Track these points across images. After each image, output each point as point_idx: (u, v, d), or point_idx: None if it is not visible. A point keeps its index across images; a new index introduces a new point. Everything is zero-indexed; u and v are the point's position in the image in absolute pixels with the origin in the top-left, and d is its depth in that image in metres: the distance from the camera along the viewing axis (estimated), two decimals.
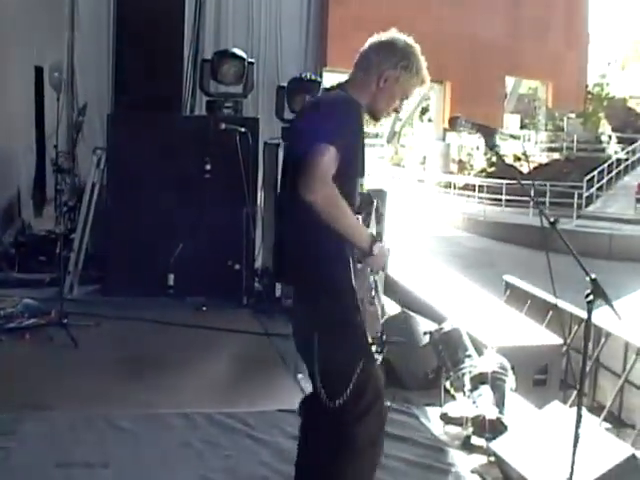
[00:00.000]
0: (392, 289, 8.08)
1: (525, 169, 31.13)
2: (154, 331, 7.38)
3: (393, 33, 3.57)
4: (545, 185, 27.65)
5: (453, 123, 3.44)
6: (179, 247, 8.25)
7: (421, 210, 30.73)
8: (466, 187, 33.44)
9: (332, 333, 3.30)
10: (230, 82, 8.76)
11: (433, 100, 40.64)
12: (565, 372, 6.90)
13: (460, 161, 39.54)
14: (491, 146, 3.38)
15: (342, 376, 3.34)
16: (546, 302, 8.26)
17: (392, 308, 7.30)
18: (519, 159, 33.44)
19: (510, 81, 42.00)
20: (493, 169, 34.35)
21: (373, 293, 3.38)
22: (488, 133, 3.36)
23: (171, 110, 8.74)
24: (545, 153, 39.89)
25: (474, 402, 4.97)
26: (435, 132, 39.12)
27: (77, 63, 11.69)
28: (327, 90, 3.64)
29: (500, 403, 4.96)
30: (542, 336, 6.80)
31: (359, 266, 3.26)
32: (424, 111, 46.49)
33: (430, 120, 43.10)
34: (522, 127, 44.52)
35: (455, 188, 33.49)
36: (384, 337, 3.39)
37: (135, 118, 8.42)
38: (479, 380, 5.03)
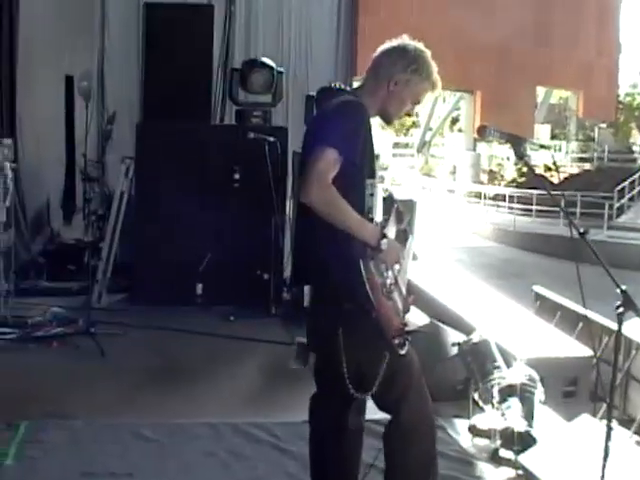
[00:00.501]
0: (421, 299, 8.02)
1: (555, 179, 30.96)
2: (181, 340, 7.38)
3: (404, 39, 3.63)
4: (576, 196, 27.46)
5: (482, 132, 3.41)
6: (207, 256, 8.25)
7: (451, 220, 30.62)
8: (496, 197, 33.26)
9: (352, 332, 3.38)
10: (259, 91, 8.77)
11: (463, 110, 40.59)
12: (595, 384, 6.80)
13: (490, 171, 39.36)
14: (520, 156, 3.34)
15: (368, 374, 3.44)
16: (576, 313, 8.16)
17: (420, 319, 7.25)
18: (549, 169, 33.25)
19: (541, 91, 41.87)
20: (523, 179, 34.14)
21: (391, 288, 3.40)
22: (517, 142, 3.33)
23: (200, 119, 8.75)
24: (576, 163, 39.63)
25: (503, 414, 4.91)
26: (465, 142, 39.01)
27: (107, 72, 11.76)
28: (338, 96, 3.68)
29: (529, 416, 4.90)
30: (572, 348, 6.71)
31: (372, 263, 3.30)
32: (454, 121, 46.41)
33: (460, 130, 43.00)
34: (553, 137, 44.30)
35: (485, 198, 33.30)
36: (407, 328, 3.41)
37: (164, 127, 8.45)
38: (508, 392, 4.97)
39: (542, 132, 43.28)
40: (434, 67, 3.60)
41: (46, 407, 5.53)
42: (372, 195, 3.49)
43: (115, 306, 8.50)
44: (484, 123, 3.45)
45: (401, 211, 3.75)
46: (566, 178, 33.86)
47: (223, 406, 5.78)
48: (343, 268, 3.30)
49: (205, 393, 5.99)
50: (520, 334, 6.84)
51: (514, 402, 4.90)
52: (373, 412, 3.87)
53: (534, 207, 29.29)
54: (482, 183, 37.32)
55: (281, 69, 8.96)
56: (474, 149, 38.19)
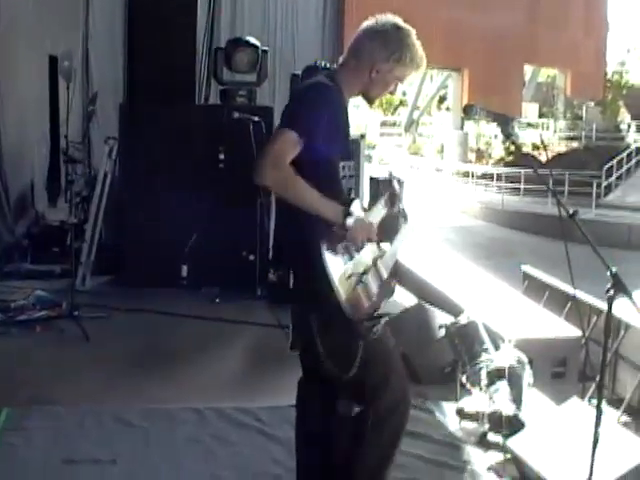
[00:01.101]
0: (408, 280, 7.98)
1: (544, 158, 30.90)
2: (166, 323, 7.31)
3: (387, 19, 3.50)
4: (564, 174, 27.40)
5: (468, 111, 3.34)
6: (193, 238, 8.18)
7: (439, 199, 30.58)
8: (484, 176, 33.21)
9: (322, 315, 3.35)
10: (244, 70, 8.67)
11: (451, 89, 40.46)
12: (584, 364, 6.77)
13: (478, 150, 39.29)
14: (507, 134, 3.27)
15: (344, 357, 3.40)
16: (564, 293, 8.12)
17: (408, 300, 7.20)
18: (537, 148, 33.17)
19: (529, 69, 41.78)
20: (511, 158, 34.10)
21: (361, 271, 3.27)
22: (504, 121, 3.25)
23: (184, 99, 8.66)
24: (564, 142, 39.59)
25: (491, 398, 4.85)
26: (453, 121, 38.91)
27: (91, 52, 11.67)
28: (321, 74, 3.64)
29: (517, 399, 4.84)
30: (560, 328, 6.68)
31: (338, 245, 3.23)
32: (442, 100, 46.31)
33: (448, 109, 42.89)
34: (541, 116, 44.24)
35: (473, 177, 33.26)
36: (378, 312, 3.29)
37: (147, 108, 8.35)
38: (496, 375, 4.90)
39: (530, 111, 43.22)
40: (418, 49, 3.49)
41: (29, 393, 5.45)
42: (351, 177, 3.47)
43: (100, 289, 8.43)
44: (470, 102, 3.37)
45: (395, 194, 3.69)
46: (554, 157, 33.83)
47: (208, 390, 5.70)
48: (307, 250, 3.24)
49: (190, 377, 5.92)
50: (508, 315, 6.80)
51: (502, 385, 4.84)
52: None
53: (522, 186, 29.29)
54: (470, 162, 37.27)
55: (266, 48, 8.86)
56: (462, 128, 38.08)
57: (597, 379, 5.75)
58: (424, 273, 8.33)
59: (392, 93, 3.68)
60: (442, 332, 5.80)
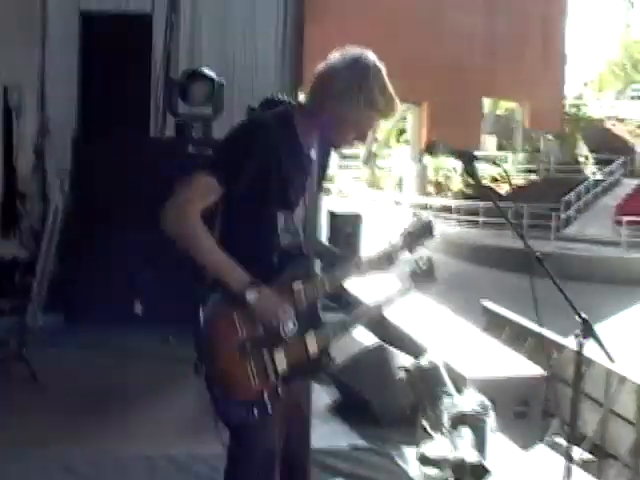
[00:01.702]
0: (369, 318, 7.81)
1: (503, 191, 31.06)
2: (119, 362, 7.05)
3: (351, 52, 3.05)
4: (522, 207, 27.52)
5: (431, 148, 3.15)
6: (146, 273, 7.97)
7: (398, 232, 30.52)
8: (443, 209, 33.29)
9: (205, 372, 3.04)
10: (199, 103, 8.50)
11: (410, 121, 40.57)
12: (545, 401, 6.68)
13: (437, 183, 39.43)
14: (470, 171, 3.11)
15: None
16: (525, 328, 8.05)
17: (367, 338, 7.05)
18: (496, 180, 33.31)
19: (487, 102, 42.06)
20: (470, 191, 34.24)
21: (255, 344, 2.92)
22: (467, 158, 3.10)
23: (138, 132, 8.48)
24: (522, 174, 39.88)
25: (454, 443, 4.70)
26: (412, 153, 38.99)
27: (47, 84, 11.44)
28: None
29: (481, 445, 4.69)
30: (522, 366, 6.58)
31: (236, 311, 2.90)
32: (401, 132, 46.44)
33: (407, 141, 43.00)
34: (499, 148, 44.52)
35: (432, 210, 33.30)
36: (257, 398, 2.92)
37: (100, 140, 8.16)
38: (459, 421, 4.76)
39: (489, 143, 43.48)
40: (382, 91, 3.01)
41: None
42: (287, 231, 3.07)
43: (52, 326, 8.15)
44: (433, 138, 3.21)
45: (350, 235, 3.41)
46: (513, 189, 33.96)
47: (159, 435, 5.48)
48: (207, 302, 2.99)
49: (141, 421, 5.69)
50: (469, 353, 6.69)
51: (465, 431, 4.69)
52: None
53: (481, 219, 29.35)
54: (429, 194, 37.35)
55: (222, 80, 8.68)
56: (420, 160, 38.18)
57: (563, 421, 5.67)
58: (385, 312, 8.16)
59: (361, 141, 3.16)
60: (402, 374, 5.67)
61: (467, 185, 35.67)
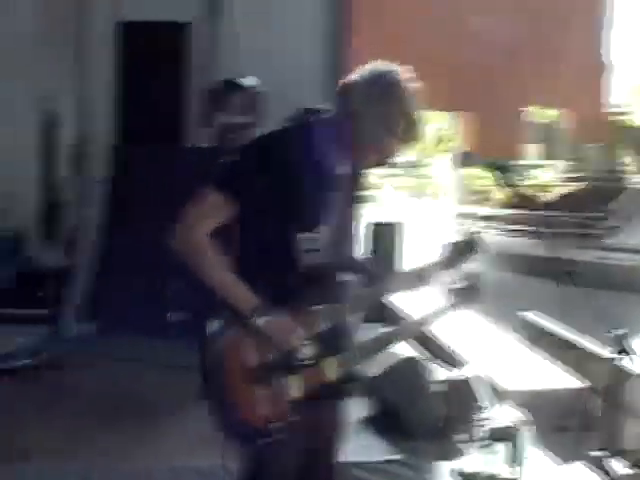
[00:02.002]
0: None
1: (546, 199, 30.77)
2: (150, 374, 7.00)
3: (380, 67, 2.88)
4: (565, 216, 27.22)
5: (466, 158, 3.05)
6: (180, 283, 7.92)
7: (439, 242, 30.38)
8: (485, 218, 33.04)
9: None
10: (238, 112, 8.46)
11: (452, 129, 40.39)
12: (586, 415, 6.54)
13: (479, 192, 39.18)
14: (507, 182, 3.02)
15: None
16: (565, 339, 7.91)
17: (404, 348, 6.99)
18: (539, 189, 32.95)
19: (531, 110, 41.74)
20: (513, 200, 33.94)
21: (268, 371, 2.79)
22: (503, 169, 3.00)
23: (176, 141, 8.46)
24: (566, 183, 39.49)
25: (488, 459, 4.59)
26: (453, 162, 38.80)
27: (86, 92, 11.51)
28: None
29: (517, 461, 4.57)
30: (563, 379, 6.45)
31: (246, 341, 2.77)
32: (441, 141, 46.25)
33: (449, 150, 42.82)
34: (542, 157, 44.15)
35: (474, 219, 33.08)
36: (268, 427, 2.78)
37: (139, 150, 8.14)
38: (494, 435, 4.65)
39: (532, 152, 43.14)
40: (403, 114, 2.82)
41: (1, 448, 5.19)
42: (310, 251, 2.88)
43: (85, 336, 8.16)
44: (468, 149, 3.11)
45: (372, 272, 3.10)
46: (556, 198, 33.61)
47: (186, 446, 5.39)
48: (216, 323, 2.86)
49: (170, 433, 5.63)
50: (508, 365, 6.59)
51: (501, 447, 4.58)
52: None
53: (524, 228, 29.04)
54: (471, 204, 37.10)
55: (262, 89, 8.64)
56: (462, 169, 37.98)
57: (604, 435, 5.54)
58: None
59: (381, 165, 2.99)
60: (437, 386, 5.57)
61: (510, 195, 35.41)
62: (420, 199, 41.20)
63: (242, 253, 2.92)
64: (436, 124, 43.35)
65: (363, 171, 3.06)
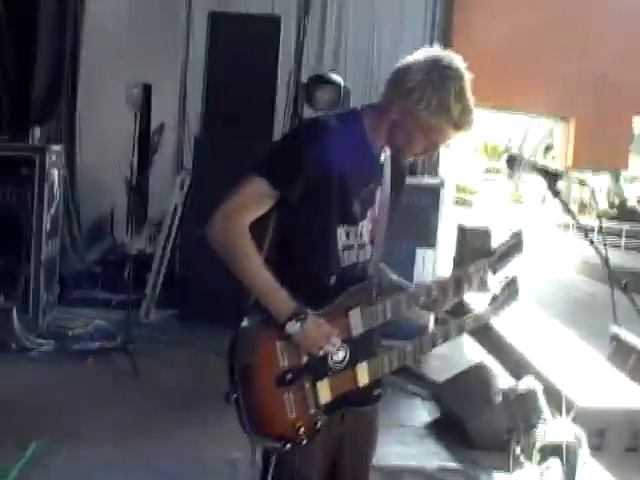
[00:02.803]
0: (482, 332, 7.63)
1: None
2: (223, 365, 7.01)
3: (433, 51, 2.73)
4: None
5: (511, 162, 2.87)
6: None
7: (537, 250, 29.89)
8: (584, 228, 32.36)
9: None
10: (324, 108, 8.40)
11: (557, 137, 39.72)
12: None
13: (581, 201, 38.43)
14: (554, 191, 2.87)
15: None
16: None
17: (477, 353, 6.88)
18: None
19: (639, 122, 40.76)
20: (615, 211, 33.21)
21: (298, 376, 2.66)
22: (550, 178, 2.85)
23: (262, 135, 8.45)
24: None
25: (541, 474, 4.45)
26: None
27: (189, 82, 11.67)
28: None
29: (570, 478, 4.42)
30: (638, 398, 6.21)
31: (278, 344, 2.63)
32: (548, 148, 45.50)
33: (554, 157, 42.12)
34: None
35: (574, 229, 32.44)
36: (298, 437, 2.67)
37: (223, 141, 8.16)
38: (549, 451, 4.50)
39: (638, 164, 42.12)
40: (459, 99, 2.66)
41: (62, 427, 5.30)
42: (349, 249, 2.79)
43: (163, 322, 8.24)
44: (513, 153, 2.98)
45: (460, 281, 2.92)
46: None
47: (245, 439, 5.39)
48: (248, 322, 2.71)
49: (232, 425, 5.62)
50: (585, 380, 6.36)
51: (554, 462, 4.44)
52: None
53: (623, 241, 28.38)
54: (599, 218, 36.38)
55: (348, 85, 8.58)
56: (566, 177, 37.29)
57: None
58: (505, 329, 7.89)
59: (428, 153, 2.84)
60: (504, 397, 5.44)
61: (612, 206, 34.65)
62: (521, 205, 40.61)
63: (277, 249, 2.81)
64: (543, 130, 42.75)
65: (412, 159, 2.95)
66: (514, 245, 3.04)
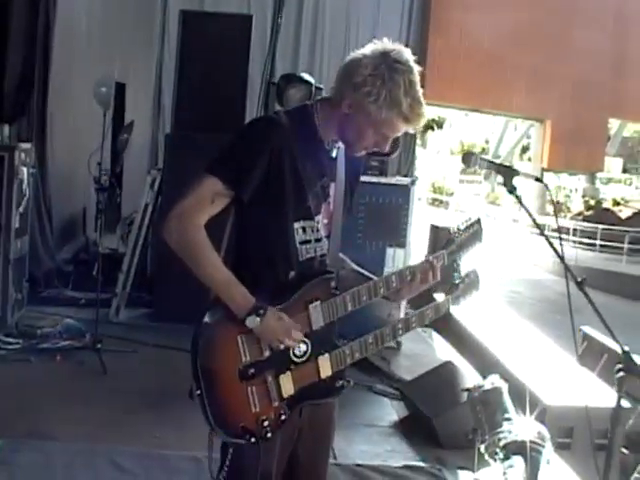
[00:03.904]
0: (453, 330, 7.69)
1: (624, 214, 30.21)
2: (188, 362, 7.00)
3: (383, 44, 2.74)
4: None
5: (467, 160, 2.86)
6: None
7: (512, 250, 29.98)
8: (560, 230, 32.50)
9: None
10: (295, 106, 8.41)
11: (533, 139, 39.88)
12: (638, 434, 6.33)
13: (557, 202, 38.60)
14: (510, 188, 2.88)
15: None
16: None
17: (445, 352, 6.90)
18: (618, 204, 32.36)
19: (614, 123, 40.99)
20: (590, 213, 33.37)
21: (259, 369, 2.68)
22: (507, 174, 2.86)
23: (232, 132, 8.45)
24: None
25: (504, 473, 4.46)
26: (533, 172, 38.27)
27: (164, 81, 11.67)
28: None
29: (533, 477, 4.44)
30: (607, 397, 6.25)
31: (240, 339, 2.64)
32: (525, 149, 45.70)
33: (530, 159, 42.29)
34: (624, 171, 43.38)
35: (549, 230, 32.57)
36: (258, 429, 2.68)
37: (195, 139, 8.14)
38: (513, 449, 4.50)
39: (613, 165, 42.39)
40: (408, 92, 2.66)
41: (28, 425, 5.29)
42: (307, 243, 2.81)
43: (134, 321, 8.23)
44: (470, 150, 3.00)
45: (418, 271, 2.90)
46: (635, 213, 32.91)
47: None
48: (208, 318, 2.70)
49: (198, 423, 5.61)
50: (553, 379, 6.41)
51: (517, 461, 4.44)
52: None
53: (598, 242, 28.52)
54: (547, 214, 36.55)
55: (320, 85, 8.58)
56: (542, 179, 37.43)
57: None
58: (476, 329, 7.93)
59: (381, 148, 2.83)
60: (470, 395, 5.45)
61: (588, 207, 34.83)
62: (497, 207, 40.74)
63: (235, 246, 2.85)
64: (519, 132, 42.92)
65: (363, 154, 2.91)
66: (473, 234, 3.07)
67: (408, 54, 2.74)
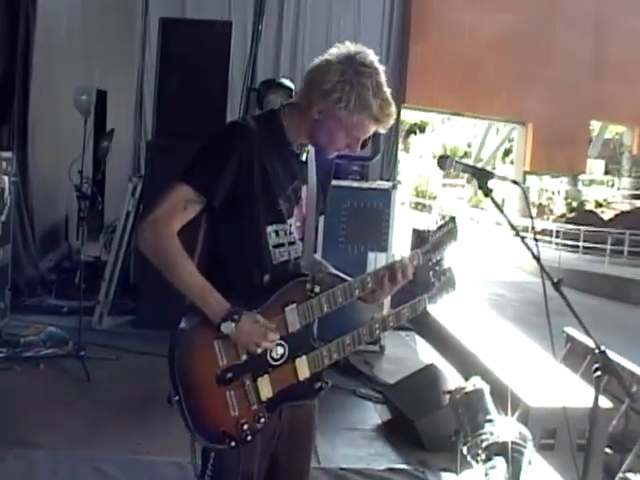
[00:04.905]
0: (435, 333, 7.71)
1: (606, 216, 30.33)
2: None
3: (348, 48, 2.77)
4: (624, 233, 26.80)
5: (442, 163, 2.89)
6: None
7: (496, 253, 30.08)
8: (543, 232, 32.57)
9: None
10: None
11: (515, 142, 40.00)
12: (623, 435, 6.38)
13: (540, 205, 38.73)
14: (485, 191, 2.90)
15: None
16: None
17: (428, 355, 6.92)
18: (600, 205, 32.48)
19: (596, 125, 41.17)
20: (573, 214, 33.49)
21: (236, 374, 2.69)
22: (482, 177, 2.88)
23: None
24: (628, 200, 38.82)
25: (487, 474, 4.48)
26: (516, 174, 38.35)
27: (145, 89, 11.67)
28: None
29: (515, 478, 4.46)
30: (589, 398, 6.27)
31: (216, 344, 2.65)
32: (507, 153, 45.83)
33: (512, 162, 42.42)
34: (606, 172, 43.49)
35: (531, 232, 32.63)
36: (238, 434, 2.70)
37: (176, 145, 8.13)
38: (495, 450, 4.53)
39: (595, 167, 42.52)
40: (376, 94, 2.72)
41: (12, 434, 5.30)
42: (280, 246, 2.84)
43: (117, 329, 8.24)
44: (445, 153, 3.02)
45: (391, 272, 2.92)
46: (617, 215, 33.06)
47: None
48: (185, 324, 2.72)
49: (184, 429, 5.62)
50: (536, 380, 6.44)
51: (499, 462, 4.47)
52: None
53: (581, 243, 28.63)
54: (531, 217, 36.64)
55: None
56: (524, 182, 37.57)
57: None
58: (459, 331, 7.96)
59: (353, 149, 2.88)
60: (452, 398, 5.48)
61: (570, 209, 34.96)
62: (481, 210, 40.84)
63: (209, 252, 2.87)
64: (501, 135, 43.08)
65: (335, 156, 2.95)
66: (448, 233, 3.08)
67: (372, 55, 2.78)
